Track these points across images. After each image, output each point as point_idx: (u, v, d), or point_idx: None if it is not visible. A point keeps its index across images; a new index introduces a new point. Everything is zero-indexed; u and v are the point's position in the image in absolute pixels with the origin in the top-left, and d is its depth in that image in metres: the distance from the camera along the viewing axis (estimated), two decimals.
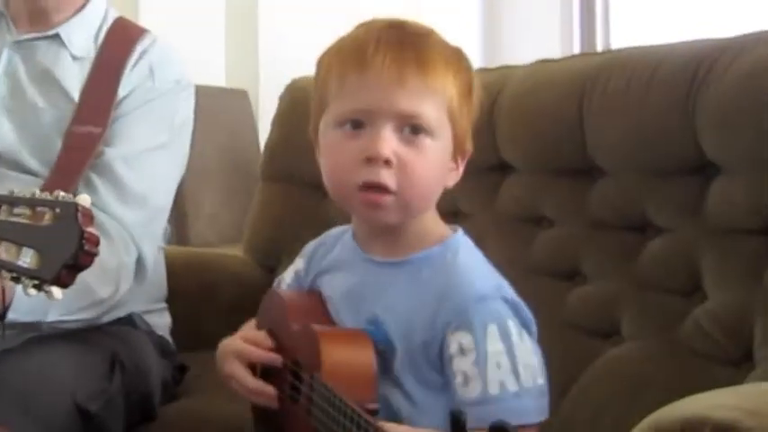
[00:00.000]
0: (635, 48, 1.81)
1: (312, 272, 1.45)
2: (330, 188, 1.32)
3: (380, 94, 1.25)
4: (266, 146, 2.43)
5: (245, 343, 1.40)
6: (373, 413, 1.17)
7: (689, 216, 1.58)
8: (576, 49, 3.75)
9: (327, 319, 1.36)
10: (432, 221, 1.34)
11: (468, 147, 1.34)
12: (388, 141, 1.24)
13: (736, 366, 1.45)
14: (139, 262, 1.75)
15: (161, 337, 1.91)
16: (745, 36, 1.60)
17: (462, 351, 1.22)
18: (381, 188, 1.25)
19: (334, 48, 1.32)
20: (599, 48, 3.73)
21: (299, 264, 1.50)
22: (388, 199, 1.25)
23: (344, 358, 1.24)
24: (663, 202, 1.63)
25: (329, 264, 1.42)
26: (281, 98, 2.37)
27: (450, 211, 1.91)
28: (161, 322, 1.93)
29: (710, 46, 1.62)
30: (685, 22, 3.49)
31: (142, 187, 1.76)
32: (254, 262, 2.32)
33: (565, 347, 1.65)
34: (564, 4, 3.80)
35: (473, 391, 1.20)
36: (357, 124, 1.26)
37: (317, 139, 1.35)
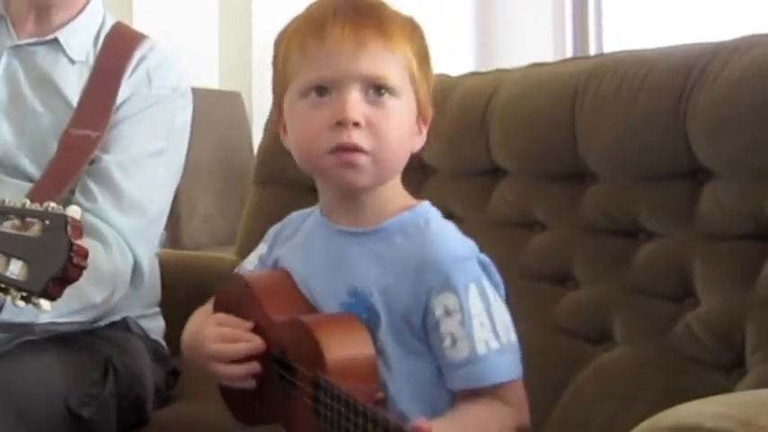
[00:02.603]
0: (627, 51, 1.82)
1: (275, 253, 1.46)
2: (300, 158, 1.33)
3: (343, 60, 1.27)
4: (259, 148, 2.43)
5: (222, 328, 1.38)
6: (381, 402, 1.20)
7: (680, 221, 1.58)
8: (569, 53, 3.76)
9: (301, 298, 1.36)
10: (397, 189, 1.36)
11: (429, 111, 1.36)
12: (356, 104, 1.26)
13: (728, 372, 1.45)
14: (136, 268, 1.74)
15: (155, 342, 1.91)
16: (737, 40, 1.60)
17: (448, 312, 1.24)
18: (355, 149, 1.27)
19: (291, 25, 1.35)
20: (591, 51, 3.74)
21: (261, 248, 1.50)
22: (362, 158, 1.27)
23: (347, 353, 1.24)
24: (654, 206, 1.63)
25: (296, 242, 1.43)
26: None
27: (443, 214, 1.92)
28: (155, 326, 1.93)
29: (702, 50, 1.62)
30: (677, 26, 3.50)
31: (139, 193, 1.76)
32: None
33: (556, 352, 1.65)
34: (556, 8, 3.80)
35: (462, 352, 1.23)
36: (322, 91, 1.28)
37: (280, 120, 1.38)
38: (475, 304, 1.24)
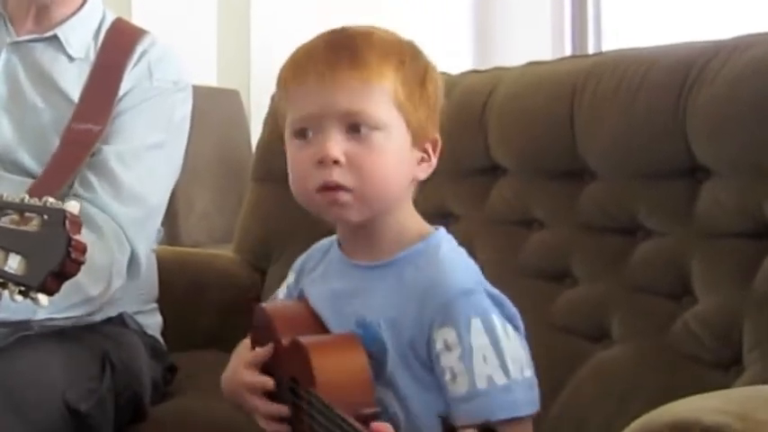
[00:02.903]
0: (626, 50, 1.82)
1: (301, 284, 1.46)
2: (296, 196, 1.34)
3: (319, 99, 1.28)
4: (258, 146, 2.43)
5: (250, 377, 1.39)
6: (374, 417, 1.18)
7: (679, 219, 1.58)
8: (568, 52, 3.75)
9: (317, 325, 1.36)
10: (409, 219, 1.35)
11: (435, 136, 1.34)
12: (335, 142, 1.26)
13: (726, 370, 1.45)
14: (133, 259, 1.75)
15: (152, 337, 1.91)
16: (736, 38, 1.60)
17: (448, 347, 1.22)
18: (337, 187, 1.27)
19: (285, 61, 1.35)
20: (590, 50, 3.73)
21: (290, 278, 1.51)
22: (345, 196, 1.27)
23: (337, 367, 1.24)
24: (653, 205, 1.63)
25: (317, 274, 1.43)
26: (273, 98, 2.36)
27: (441, 212, 1.92)
28: (152, 322, 1.93)
29: (702, 48, 1.62)
30: (676, 25, 3.50)
31: (137, 185, 1.76)
32: (244, 262, 2.32)
33: (554, 350, 1.65)
34: (555, 7, 3.80)
35: (461, 387, 1.21)
36: (305, 132, 1.29)
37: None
38: (478, 338, 1.22)
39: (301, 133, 1.30)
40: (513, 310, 1.28)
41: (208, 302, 2.21)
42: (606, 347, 1.62)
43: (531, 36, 3.80)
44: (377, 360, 1.27)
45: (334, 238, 1.42)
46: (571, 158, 1.76)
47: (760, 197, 1.47)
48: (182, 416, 1.80)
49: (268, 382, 1.36)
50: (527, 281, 1.76)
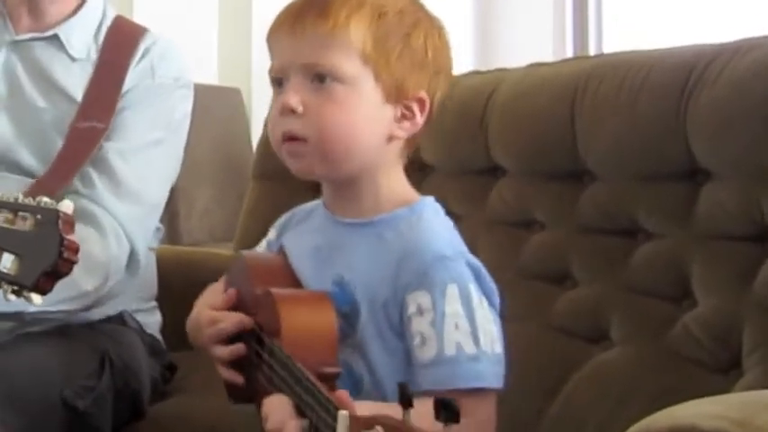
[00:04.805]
0: (627, 52, 1.82)
1: (281, 239, 1.45)
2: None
3: (286, 49, 1.29)
4: (258, 144, 2.42)
5: (213, 311, 1.38)
6: (334, 377, 1.17)
7: (679, 221, 1.58)
8: (569, 53, 3.75)
9: (292, 279, 1.35)
10: (395, 183, 1.34)
11: (420, 94, 1.31)
12: (295, 92, 1.26)
13: (725, 373, 1.45)
14: (131, 255, 1.75)
15: (151, 336, 1.91)
16: (737, 41, 1.60)
17: (420, 311, 1.21)
18: (292, 137, 1.27)
19: None
20: (591, 52, 3.73)
21: (270, 234, 1.50)
22: (301, 147, 1.27)
23: (304, 322, 1.23)
24: (653, 207, 1.63)
25: (299, 231, 1.43)
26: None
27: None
28: (151, 321, 1.93)
29: (703, 51, 1.62)
30: (678, 27, 3.50)
31: (137, 181, 1.77)
32: None
33: (553, 351, 1.65)
34: (557, 8, 3.80)
35: (429, 352, 1.20)
36: (278, 82, 1.30)
37: None
38: (452, 305, 1.21)
39: (276, 83, 1.31)
40: (492, 286, 1.26)
41: None
42: (605, 349, 1.62)
43: (532, 37, 3.80)
44: (348, 321, 1.26)
45: (320, 201, 1.42)
46: (572, 160, 1.75)
47: (761, 200, 1.47)
48: (180, 415, 1.80)
49: (227, 317, 1.35)
50: (527, 282, 1.76)
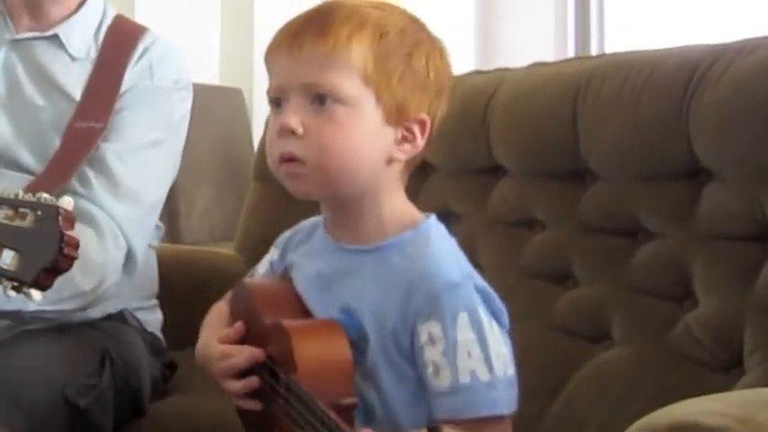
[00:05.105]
0: (629, 52, 1.82)
1: (285, 261, 1.43)
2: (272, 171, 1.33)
3: (285, 69, 1.27)
4: (260, 145, 2.43)
5: (223, 346, 1.37)
6: (352, 408, 1.17)
7: (681, 221, 1.58)
8: (571, 53, 3.75)
9: (299, 307, 1.33)
10: (397, 205, 1.31)
11: (421, 116, 1.29)
12: (294, 113, 1.24)
13: (727, 372, 1.45)
14: (129, 256, 1.75)
15: (152, 334, 1.91)
16: (740, 42, 1.60)
17: (432, 340, 1.20)
18: (291, 158, 1.25)
19: None
20: (593, 51, 3.73)
21: (273, 254, 1.48)
22: (299, 168, 1.25)
23: (318, 355, 1.22)
24: (655, 206, 1.63)
25: (303, 253, 1.40)
26: None
27: (442, 212, 1.92)
28: (152, 319, 1.93)
29: (705, 51, 1.62)
30: (680, 28, 3.50)
31: (134, 182, 1.76)
32: (245, 261, 2.31)
33: (555, 351, 1.65)
34: (558, 8, 3.80)
35: (444, 381, 1.19)
36: (277, 102, 1.28)
37: None
38: (463, 333, 1.19)
39: (274, 103, 1.29)
40: (500, 306, 1.25)
41: (208, 301, 2.18)
42: (606, 349, 1.62)
43: (534, 37, 3.80)
44: (357, 348, 1.24)
45: (320, 218, 1.39)
46: (573, 159, 1.75)
47: (762, 200, 1.47)
48: (181, 413, 1.80)
49: (238, 352, 1.34)
50: (528, 282, 1.76)
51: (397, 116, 1.27)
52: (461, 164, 1.97)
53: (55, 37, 1.82)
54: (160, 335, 1.94)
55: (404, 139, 1.28)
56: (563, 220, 1.77)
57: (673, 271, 1.58)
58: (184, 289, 2.17)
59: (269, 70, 1.31)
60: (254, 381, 1.32)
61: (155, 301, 1.97)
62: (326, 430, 1.09)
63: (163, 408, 1.82)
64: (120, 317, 1.84)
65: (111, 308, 1.80)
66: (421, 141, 1.29)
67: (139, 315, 1.89)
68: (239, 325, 1.38)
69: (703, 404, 1.10)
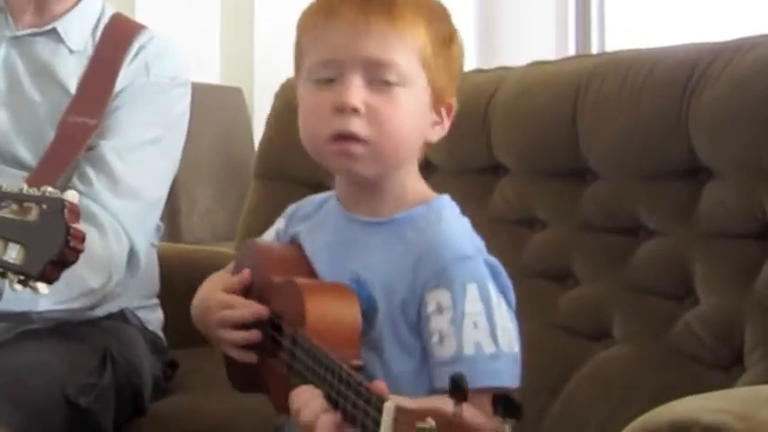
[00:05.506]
0: (630, 50, 1.82)
1: (292, 230, 1.43)
2: (305, 144, 1.31)
3: (347, 42, 1.24)
4: (260, 144, 2.43)
5: (226, 295, 1.37)
6: (357, 369, 1.16)
7: (681, 220, 1.58)
8: (571, 51, 3.75)
9: (308, 270, 1.33)
10: (414, 181, 1.33)
11: (452, 101, 1.32)
12: (356, 90, 1.23)
13: (727, 370, 1.45)
14: (131, 253, 1.75)
15: (153, 333, 1.91)
16: (740, 40, 1.60)
17: (440, 309, 1.21)
18: (352, 137, 1.24)
19: (308, 8, 1.32)
20: (594, 50, 3.73)
21: (279, 223, 1.48)
22: (359, 148, 1.24)
23: (329, 313, 1.22)
24: (655, 205, 1.63)
25: (309, 225, 1.40)
26: (276, 96, 2.37)
27: None
28: (153, 318, 1.93)
29: (705, 49, 1.63)
30: (680, 26, 3.50)
31: (135, 180, 1.76)
32: None
33: (556, 349, 1.65)
34: (559, 6, 3.80)
35: (447, 350, 1.19)
36: (327, 74, 1.26)
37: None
38: (472, 304, 1.20)
39: (323, 75, 1.26)
40: (508, 283, 1.26)
41: None
42: (607, 347, 1.62)
43: (534, 36, 3.80)
44: (366, 319, 1.24)
45: (331, 192, 1.40)
46: (574, 158, 1.76)
47: (762, 198, 1.47)
48: (182, 412, 1.80)
49: (243, 305, 1.34)
50: (529, 280, 1.75)
51: (436, 100, 1.29)
52: (462, 163, 1.97)
53: (54, 31, 1.82)
54: (161, 334, 1.94)
55: (435, 123, 1.31)
56: (564, 218, 1.77)
57: (673, 269, 1.58)
58: (185, 288, 2.14)
59: (316, 41, 1.28)
60: (256, 334, 1.32)
61: (156, 300, 1.97)
62: (337, 380, 1.08)
63: (164, 407, 1.82)
64: (120, 316, 1.83)
65: (112, 307, 1.80)
66: (447, 125, 1.33)
67: (140, 314, 1.89)
68: (246, 272, 1.37)
69: (704, 402, 1.11)
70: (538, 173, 1.84)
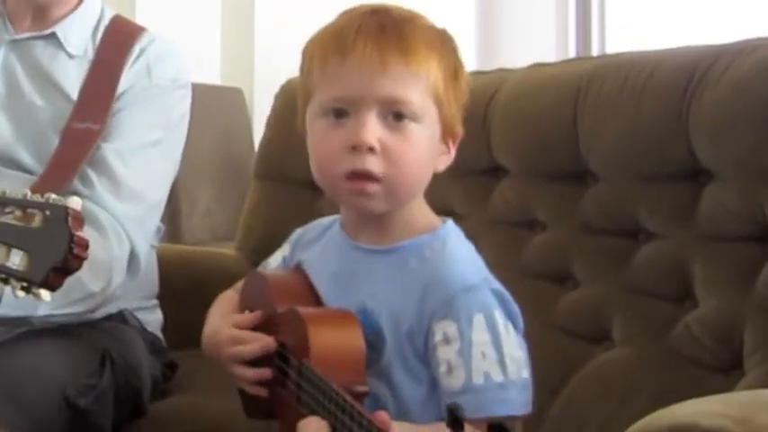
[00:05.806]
0: (630, 52, 1.82)
1: (297, 256, 1.44)
2: (318, 179, 1.31)
3: (362, 81, 1.24)
4: (260, 144, 2.43)
5: (236, 331, 1.37)
6: (363, 395, 1.18)
7: (681, 222, 1.58)
8: (572, 53, 3.75)
9: (314, 299, 1.34)
10: (420, 209, 1.33)
11: (458, 130, 1.32)
12: (372, 128, 1.23)
13: (727, 373, 1.45)
14: (132, 256, 1.75)
15: (152, 334, 1.91)
16: (740, 42, 1.60)
17: (447, 340, 1.21)
18: (367, 176, 1.24)
19: (318, 36, 1.31)
20: (594, 52, 3.73)
21: (285, 249, 1.49)
22: (374, 187, 1.24)
23: (332, 341, 1.23)
24: (655, 207, 1.63)
25: (314, 252, 1.40)
26: (277, 97, 2.37)
27: (443, 212, 1.91)
28: (152, 319, 1.93)
29: (706, 52, 1.62)
30: (681, 28, 3.50)
31: (136, 182, 1.76)
32: (246, 260, 2.31)
33: (555, 351, 1.65)
34: (559, 8, 3.80)
35: (457, 381, 1.19)
36: (341, 113, 1.25)
37: (305, 131, 1.33)
38: (479, 334, 1.20)
39: (336, 113, 1.26)
40: (516, 309, 1.26)
41: (209, 300, 2.19)
42: (607, 349, 1.62)
43: (535, 38, 3.80)
44: (373, 349, 1.25)
45: (336, 217, 1.40)
46: (574, 160, 1.75)
47: (762, 200, 1.47)
48: (181, 413, 1.80)
49: (252, 339, 1.34)
50: (528, 282, 1.76)
51: (445, 132, 1.30)
52: (462, 164, 1.94)
53: (53, 35, 1.82)
54: (160, 335, 1.94)
55: (442, 153, 1.32)
56: (564, 220, 1.77)
57: (673, 271, 1.58)
58: (185, 289, 2.17)
59: (327, 76, 1.27)
60: (266, 372, 1.32)
61: (155, 302, 1.97)
62: (340, 411, 1.09)
63: (163, 408, 1.82)
64: (120, 317, 1.83)
65: (111, 308, 1.80)
66: (453, 153, 1.33)
67: (140, 315, 1.89)
68: (258, 314, 1.37)
69: (703, 405, 1.11)
70: (538, 174, 1.84)
